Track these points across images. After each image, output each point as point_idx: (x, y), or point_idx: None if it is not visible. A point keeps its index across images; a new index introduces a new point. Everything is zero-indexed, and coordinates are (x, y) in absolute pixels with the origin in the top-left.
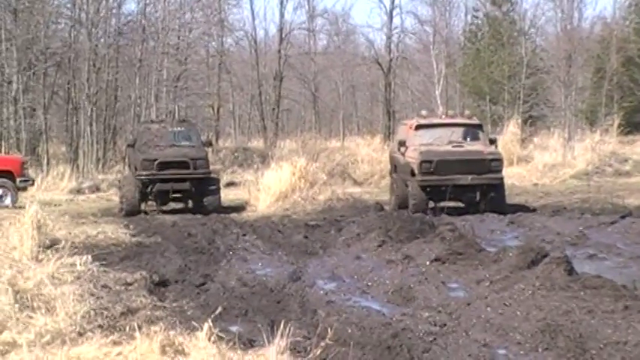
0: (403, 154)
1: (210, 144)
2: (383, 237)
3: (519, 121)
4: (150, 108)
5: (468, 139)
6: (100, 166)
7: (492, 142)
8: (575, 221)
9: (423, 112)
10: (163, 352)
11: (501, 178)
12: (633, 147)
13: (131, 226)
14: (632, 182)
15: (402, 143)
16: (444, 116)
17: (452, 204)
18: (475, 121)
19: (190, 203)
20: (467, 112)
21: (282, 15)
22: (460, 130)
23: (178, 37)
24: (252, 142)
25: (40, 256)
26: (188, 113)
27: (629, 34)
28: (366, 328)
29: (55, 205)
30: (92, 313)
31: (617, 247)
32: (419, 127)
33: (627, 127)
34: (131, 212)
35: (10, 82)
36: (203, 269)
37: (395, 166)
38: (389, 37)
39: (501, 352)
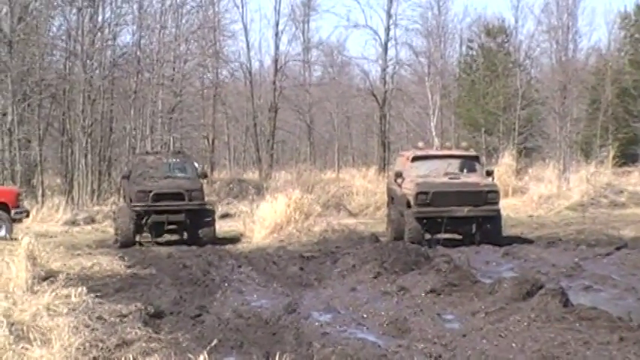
0: (400, 186)
1: (205, 175)
2: (378, 268)
3: (514, 152)
4: (145, 139)
5: (465, 170)
6: (95, 197)
7: (489, 174)
8: (570, 253)
9: (420, 144)
10: None
11: (498, 210)
12: (628, 178)
13: (126, 258)
14: (628, 214)
15: (398, 175)
16: (439, 148)
17: (448, 236)
18: (472, 152)
19: (185, 235)
20: (464, 143)
21: (277, 47)
22: (457, 162)
23: (173, 69)
24: (247, 174)
25: (35, 288)
26: (183, 145)
27: (624, 65)
28: None
29: (50, 237)
30: (87, 344)
31: (612, 279)
32: (415, 158)
33: (622, 159)
34: (126, 244)
35: (4, 114)
36: (198, 301)
37: (392, 198)
38: (384, 69)
39: None
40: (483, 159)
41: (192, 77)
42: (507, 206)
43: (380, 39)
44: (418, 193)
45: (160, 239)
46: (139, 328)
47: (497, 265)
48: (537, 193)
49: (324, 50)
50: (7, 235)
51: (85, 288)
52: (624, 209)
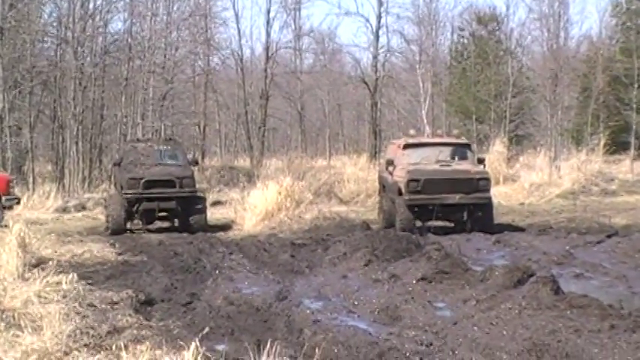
0: (391, 174)
1: (196, 163)
2: (369, 256)
3: (505, 140)
4: (136, 127)
5: (456, 158)
6: (86, 184)
7: (480, 161)
8: (561, 240)
9: (412, 132)
10: None
11: (489, 198)
12: (619, 166)
13: (117, 245)
14: (619, 202)
15: (390, 162)
16: (431, 135)
17: (439, 223)
18: (463, 140)
19: (176, 222)
20: (455, 131)
21: (268, 34)
22: (448, 150)
23: (165, 56)
24: (238, 161)
25: (26, 275)
26: (174, 132)
27: (615, 53)
28: (353, 348)
29: (41, 224)
30: (78, 332)
31: (603, 267)
32: (407, 146)
33: (613, 147)
34: (117, 231)
35: None
36: (189, 288)
37: (383, 186)
38: (375, 57)
39: None
40: (475, 147)
41: (183, 64)
42: (498, 194)
43: (371, 26)
44: (409, 181)
45: (150, 226)
46: (129, 315)
47: (488, 253)
48: (528, 181)
49: (315, 38)
50: None
51: (75, 275)
52: (615, 197)
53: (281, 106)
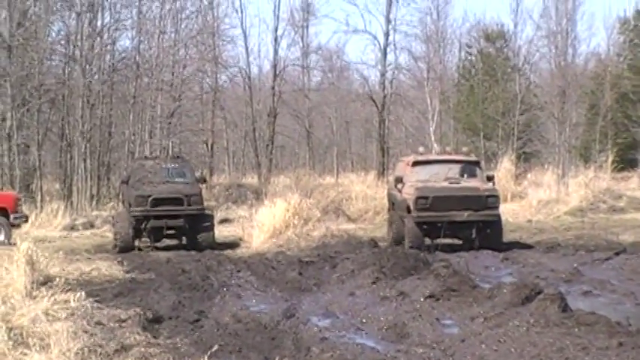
0: (400, 191)
1: (204, 180)
2: (377, 273)
3: (513, 157)
4: (144, 144)
5: (465, 175)
6: (94, 202)
7: (490, 179)
8: (569, 258)
9: (420, 149)
10: None
11: (498, 215)
12: (627, 183)
13: (125, 263)
14: (627, 219)
15: (398, 180)
16: (440, 153)
17: (448, 240)
18: (472, 157)
19: (184, 240)
20: (465, 148)
21: (276, 52)
22: (457, 167)
23: (172, 74)
24: (246, 179)
25: (34, 293)
26: (182, 149)
27: (623, 70)
28: None
29: (49, 242)
30: (86, 350)
31: (611, 284)
32: (416, 163)
33: (621, 164)
34: (125, 249)
35: (4, 119)
36: (197, 306)
37: (392, 203)
38: (383, 74)
39: None
40: (483, 164)
41: (191, 82)
42: (506, 211)
43: (379, 44)
44: (418, 198)
45: (158, 244)
46: (137, 333)
47: (496, 270)
48: (536, 198)
49: (323, 55)
50: (6, 241)
51: (83, 293)
52: (623, 214)
53: (289, 123)
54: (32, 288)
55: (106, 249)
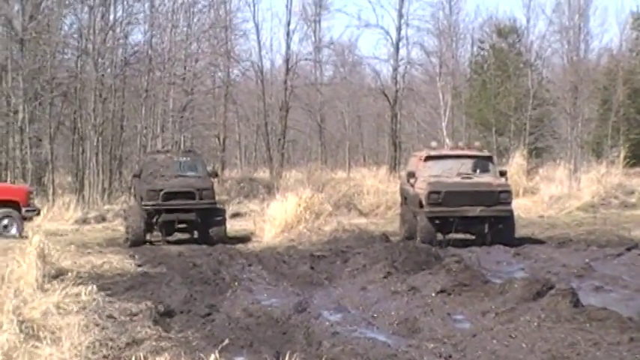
0: (412, 186)
1: (215, 174)
2: (389, 268)
3: (525, 152)
4: (156, 138)
5: (478, 170)
6: (106, 196)
7: (502, 174)
8: (581, 253)
9: (433, 144)
10: None
11: (510, 211)
12: (639, 179)
13: (136, 257)
14: (638, 214)
15: (411, 174)
16: (453, 147)
17: (460, 236)
18: (485, 153)
19: (196, 234)
20: (477, 143)
21: (288, 46)
22: (470, 162)
23: (185, 68)
24: (257, 173)
25: (46, 286)
26: (194, 143)
27: (635, 66)
28: (372, 359)
29: (61, 235)
30: (97, 343)
31: (622, 280)
32: (428, 158)
33: (633, 159)
34: (137, 242)
35: (16, 112)
36: (208, 300)
37: (404, 198)
38: (395, 69)
39: None
40: (495, 159)
41: (203, 76)
42: (518, 206)
43: (391, 38)
44: (430, 193)
45: (170, 238)
46: (149, 326)
47: (507, 265)
48: (548, 194)
49: (335, 50)
50: (18, 234)
51: (95, 286)
52: (635, 210)
53: (301, 117)
54: (44, 281)
55: (118, 242)
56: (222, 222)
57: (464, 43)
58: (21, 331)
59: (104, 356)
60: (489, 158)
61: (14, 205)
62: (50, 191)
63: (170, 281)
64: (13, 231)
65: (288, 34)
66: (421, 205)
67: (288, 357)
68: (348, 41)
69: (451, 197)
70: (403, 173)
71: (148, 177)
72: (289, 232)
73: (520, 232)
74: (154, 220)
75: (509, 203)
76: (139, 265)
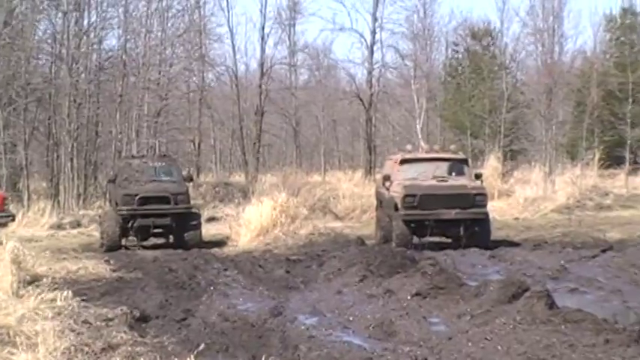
0: (388, 189)
1: (191, 179)
2: (364, 271)
3: (500, 155)
4: (131, 143)
5: (453, 173)
6: (81, 201)
7: (478, 177)
8: (556, 255)
9: (408, 147)
10: None
11: (486, 213)
12: (614, 181)
13: (112, 262)
14: (613, 216)
15: (386, 178)
16: (428, 151)
17: (436, 239)
18: (460, 155)
19: (171, 238)
20: (452, 146)
21: (263, 50)
22: (445, 165)
23: (159, 73)
24: (233, 177)
25: (21, 292)
26: (169, 148)
27: (609, 67)
28: None
29: (36, 241)
30: (73, 349)
31: (598, 281)
32: (403, 161)
33: (608, 161)
34: (112, 247)
35: None
36: (184, 304)
37: (380, 201)
38: (370, 72)
39: None
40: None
41: (178, 81)
42: (493, 209)
43: (366, 42)
44: (406, 196)
45: (145, 243)
46: (124, 332)
47: (483, 268)
48: (523, 196)
49: (310, 53)
50: None
51: (70, 292)
52: (610, 212)
53: (276, 122)
54: (19, 287)
55: (93, 248)
56: (198, 226)
57: (438, 46)
58: None
59: None
60: (464, 161)
61: None
62: (25, 197)
63: (145, 286)
64: None
65: (262, 38)
66: (396, 209)
67: None
68: (322, 45)
69: (426, 200)
70: (378, 177)
71: (123, 182)
72: (265, 236)
73: (495, 234)
74: (129, 225)
75: (484, 206)
76: (115, 271)
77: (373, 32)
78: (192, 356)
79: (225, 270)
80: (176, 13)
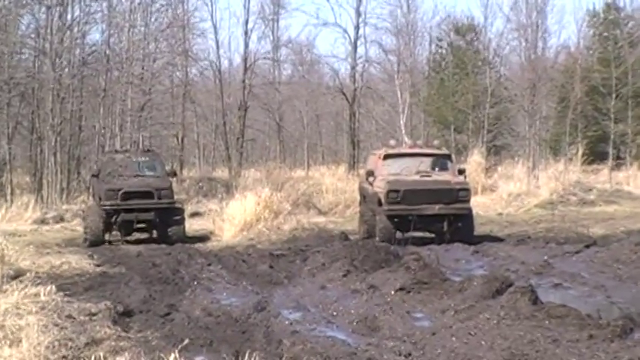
0: (371, 184)
1: (174, 174)
2: (348, 267)
3: (483, 150)
4: (114, 138)
5: (437, 169)
6: (65, 196)
7: (461, 172)
8: (539, 250)
9: (392, 142)
10: None
11: (469, 209)
12: (597, 176)
13: (95, 257)
14: (597, 211)
15: (370, 173)
16: (412, 146)
17: (419, 234)
18: (444, 151)
19: (155, 233)
20: (436, 141)
21: (246, 45)
22: (428, 160)
23: (142, 67)
24: (216, 172)
25: (4, 287)
26: (152, 143)
27: (593, 63)
28: (331, 358)
29: (20, 236)
30: (56, 343)
31: (581, 277)
32: (387, 157)
33: (591, 157)
34: (95, 242)
35: None
36: (168, 299)
37: (363, 196)
38: (353, 67)
39: None
40: (453, 157)
41: (161, 76)
42: (477, 204)
43: (349, 37)
44: (389, 191)
45: (129, 238)
46: (108, 326)
47: (466, 263)
48: (507, 191)
49: (293, 48)
50: None
51: (54, 287)
52: (593, 207)
53: (259, 117)
54: (2, 282)
55: (77, 243)
56: (181, 221)
57: (422, 42)
58: None
59: (63, 356)
60: (448, 156)
61: None
62: (8, 191)
63: (129, 281)
64: None
65: (246, 33)
66: (380, 204)
67: (248, 356)
68: (306, 40)
69: (410, 195)
70: (362, 172)
71: (106, 177)
72: (248, 231)
73: (479, 229)
74: (113, 219)
75: (467, 201)
76: (98, 265)
77: (357, 27)
78: (176, 351)
79: (209, 265)
80: (159, 7)
